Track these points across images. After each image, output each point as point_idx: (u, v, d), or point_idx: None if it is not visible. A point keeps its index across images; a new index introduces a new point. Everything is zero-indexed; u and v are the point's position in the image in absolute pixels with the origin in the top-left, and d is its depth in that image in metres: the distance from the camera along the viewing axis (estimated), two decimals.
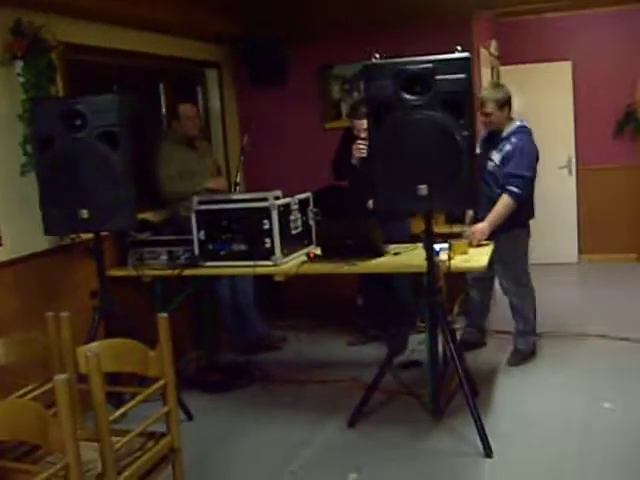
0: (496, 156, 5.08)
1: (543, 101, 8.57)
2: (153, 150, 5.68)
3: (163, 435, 3.17)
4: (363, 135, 5.34)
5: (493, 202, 4.97)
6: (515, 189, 4.91)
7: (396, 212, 5.12)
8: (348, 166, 5.58)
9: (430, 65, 3.82)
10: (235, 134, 7.12)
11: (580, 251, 8.71)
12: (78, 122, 4.30)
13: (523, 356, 5.40)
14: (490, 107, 5.04)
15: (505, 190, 4.93)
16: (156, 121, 6.36)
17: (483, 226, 4.89)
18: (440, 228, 5.31)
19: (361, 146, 5.41)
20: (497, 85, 5.50)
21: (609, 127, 8.38)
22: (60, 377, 2.40)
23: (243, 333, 6.07)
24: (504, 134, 5.07)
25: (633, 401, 4.56)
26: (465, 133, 3.81)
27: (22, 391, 3.23)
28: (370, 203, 5.24)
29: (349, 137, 5.63)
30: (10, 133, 4.45)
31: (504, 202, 4.92)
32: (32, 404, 2.56)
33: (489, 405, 4.64)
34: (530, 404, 4.66)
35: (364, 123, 5.17)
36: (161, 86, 6.46)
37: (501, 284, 5.47)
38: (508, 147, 5.03)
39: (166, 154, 5.63)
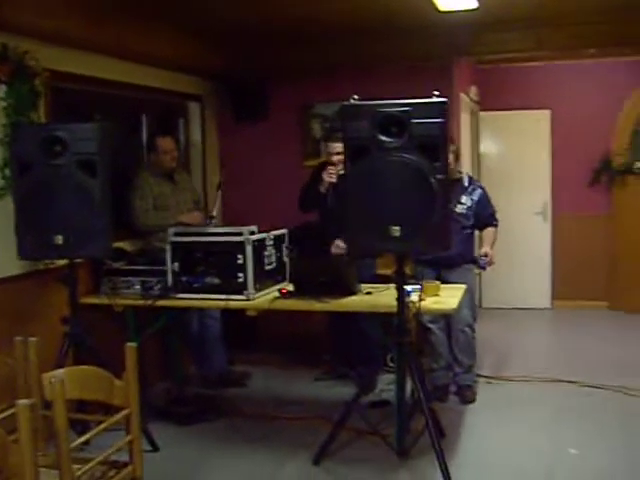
0: (467, 200, 5.50)
1: (521, 148, 8.72)
2: (131, 181, 5.71)
3: (125, 465, 3.16)
4: (335, 158, 5.51)
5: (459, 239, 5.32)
6: (497, 222, 5.65)
7: (368, 252, 5.17)
8: (315, 195, 5.64)
9: (407, 108, 3.87)
10: (215, 168, 7.17)
11: (553, 297, 8.79)
12: (58, 148, 4.31)
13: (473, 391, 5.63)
14: (450, 158, 5.30)
15: (492, 225, 5.63)
16: (135, 152, 6.39)
17: (491, 250, 5.49)
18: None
19: (332, 171, 5.50)
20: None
21: (585, 176, 8.51)
22: (22, 402, 2.41)
23: (201, 367, 6.07)
24: (465, 183, 5.57)
25: (599, 447, 4.60)
26: (439, 176, 3.87)
27: None
28: (338, 242, 5.34)
29: (319, 173, 5.68)
30: None
31: (494, 231, 5.63)
32: None
33: (455, 447, 4.65)
34: (496, 448, 4.67)
35: (337, 147, 5.39)
36: (143, 117, 6.49)
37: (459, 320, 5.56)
38: (479, 192, 5.57)
39: (143, 186, 5.66)
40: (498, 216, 5.65)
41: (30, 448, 2.38)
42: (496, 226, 5.63)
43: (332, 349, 6.24)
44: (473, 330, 5.63)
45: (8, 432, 2.54)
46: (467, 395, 5.56)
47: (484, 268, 5.53)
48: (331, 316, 5.83)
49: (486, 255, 5.44)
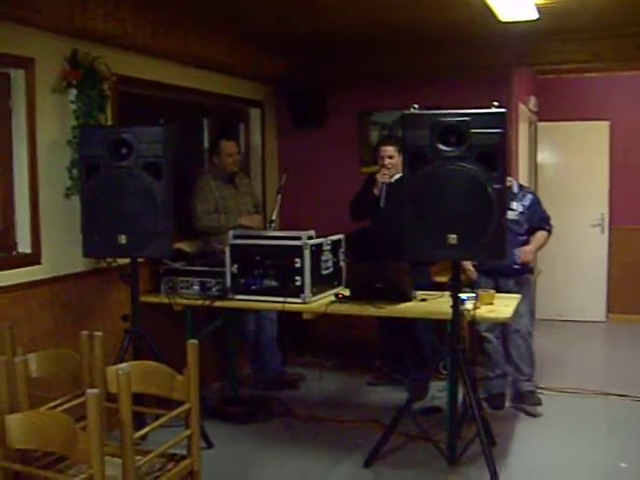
0: (517, 206, 5.48)
1: (579, 159, 8.64)
2: (192, 183, 5.83)
3: (183, 458, 3.26)
4: (387, 161, 5.64)
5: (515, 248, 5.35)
6: (550, 227, 5.59)
7: (424, 258, 5.20)
8: (368, 201, 5.71)
9: (466, 118, 3.93)
10: (274, 172, 7.27)
11: (608, 310, 8.69)
12: (124, 151, 4.43)
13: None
14: None
15: (542, 229, 5.57)
16: (197, 155, 6.53)
17: (531, 247, 5.47)
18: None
19: (385, 172, 5.60)
20: None
21: None
22: (92, 392, 2.52)
23: (256, 368, 6.17)
24: (515, 189, 5.55)
25: None
26: (497, 186, 3.91)
27: (51, 404, 3.34)
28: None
29: (371, 182, 5.75)
30: (58, 157, 4.64)
31: (544, 235, 5.58)
32: (62, 416, 2.67)
33: (505, 456, 4.66)
34: (546, 459, 4.66)
35: (389, 150, 5.60)
36: (205, 121, 6.63)
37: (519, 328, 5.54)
38: (530, 197, 5.56)
39: (204, 188, 5.78)
40: (554, 223, 5.62)
41: (98, 435, 2.48)
42: (549, 231, 5.59)
43: (382, 355, 6.28)
44: (532, 338, 5.62)
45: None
46: (534, 398, 5.51)
47: (515, 263, 5.37)
48: (382, 322, 5.87)
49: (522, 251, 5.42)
